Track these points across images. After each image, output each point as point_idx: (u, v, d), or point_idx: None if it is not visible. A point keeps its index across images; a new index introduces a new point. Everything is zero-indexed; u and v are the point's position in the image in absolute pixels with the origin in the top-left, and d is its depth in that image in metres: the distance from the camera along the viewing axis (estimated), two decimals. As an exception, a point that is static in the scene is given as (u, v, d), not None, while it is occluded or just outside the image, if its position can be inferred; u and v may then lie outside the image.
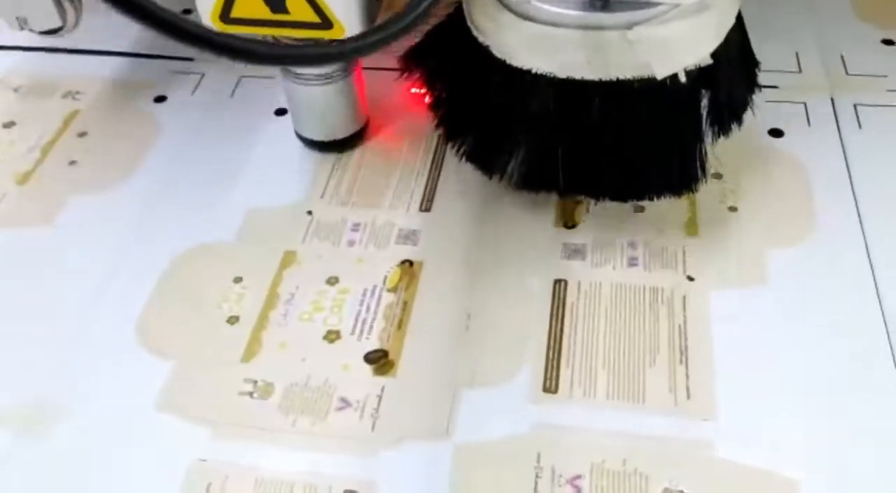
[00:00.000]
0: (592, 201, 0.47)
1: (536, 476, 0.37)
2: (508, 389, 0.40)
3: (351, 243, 0.46)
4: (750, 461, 0.37)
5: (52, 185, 0.50)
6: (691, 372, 0.40)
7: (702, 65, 0.39)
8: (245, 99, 0.55)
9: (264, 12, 0.41)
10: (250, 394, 0.40)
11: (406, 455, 0.37)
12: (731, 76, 0.42)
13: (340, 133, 0.50)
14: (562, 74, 0.39)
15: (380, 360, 0.41)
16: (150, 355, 0.41)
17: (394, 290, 0.44)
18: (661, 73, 0.38)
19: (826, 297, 0.42)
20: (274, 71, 0.57)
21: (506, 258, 0.45)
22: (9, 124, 0.54)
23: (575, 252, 0.45)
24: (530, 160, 0.42)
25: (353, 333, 0.42)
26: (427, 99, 0.47)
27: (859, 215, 0.46)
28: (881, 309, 0.41)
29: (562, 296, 0.43)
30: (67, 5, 0.48)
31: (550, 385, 0.40)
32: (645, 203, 0.46)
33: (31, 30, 0.48)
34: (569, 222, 0.47)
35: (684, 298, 0.43)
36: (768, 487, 0.36)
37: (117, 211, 0.48)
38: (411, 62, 0.46)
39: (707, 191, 0.47)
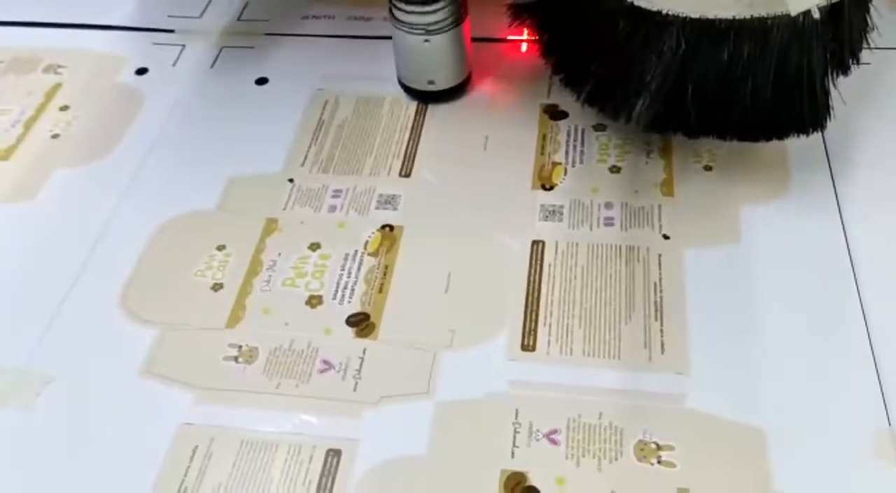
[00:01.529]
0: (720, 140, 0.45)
1: (515, 432, 0.37)
2: (487, 348, 0.40)
3: (332, 209, 0.47)
4: (720, 413, 0.38)
5: (35, 159, 0.51)
6: (665, 328, 0.41)
7: (832, 1, 0.39)
8: (226, 69, 0.56)
9: None
10: (235, 359, 0.41)
11: (387, 414, 0.38)
12: (854, 13, 0.42)
13: (446, 83, 0.51)
14: (694, 14, 0.40)
15: (361, 323, 0.42)
16: (134, 322, 0.42)
17: (374, 254, 0.45)
18: (795, 9, 0.39)
19: (798, 254, 0.43)
20: (254, 40, 0.57)
21: (484, 221, 0.46)
22: (-9, 100, 0.55)
23: (552, 213, 0.46)
24: (659, 102, 0.42)
25: (334, 297, 0.43)
26: (535, 44, 0.48)
27: (832, 174, 0.46)
28: (852, 267, 0.42)
29: (539, 256, 0.44)
30: None
31: (528, 344, 0.41)
32: (619, 164, 0.47)
33: None
34: (546, 184, 0.47)
35: (659, 256, 0.43)
36: (736, 436, 0.37)
37: (100, 183, 0.49)
38: (521, 9, 0.46)
39: (681, 151, 0.48)
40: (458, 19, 0.49)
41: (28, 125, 0.53)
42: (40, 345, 0.42)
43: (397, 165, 0.49)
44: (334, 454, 0.37)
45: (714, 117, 0.43)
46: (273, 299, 0.43)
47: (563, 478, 0.36)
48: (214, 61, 0.56)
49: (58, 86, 0.55)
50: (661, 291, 0.42)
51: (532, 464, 0.36)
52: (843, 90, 0.44)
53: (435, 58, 0.50)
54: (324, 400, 0.39)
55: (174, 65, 0.56)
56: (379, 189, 0.48)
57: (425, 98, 0.52)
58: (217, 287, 0.43)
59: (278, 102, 0.53)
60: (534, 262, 0.44)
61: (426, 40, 0.49)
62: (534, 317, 0.41)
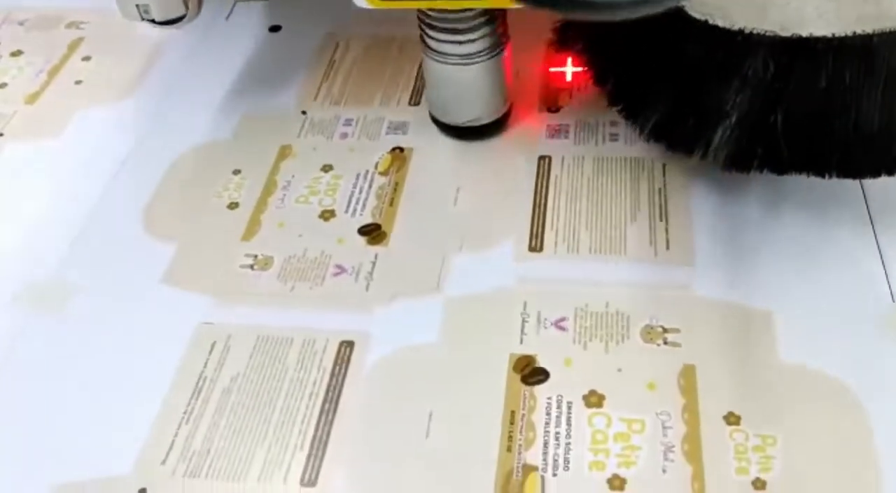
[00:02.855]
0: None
1: (524, 321, 0.38)
2: (496, 251, 0.41)
3: (344, 136, 0.48)
4: (726, 297, 0.38)
5: (59, 102, 0.53)
6: (671, 226, 0.41)
7: None
8: (240, 20, 0.58)
9: None
10: (251, 266, 0.42)
11: (399, 309, 0.39)
12: None
13: (483, 118, 0.46)
14: (785, 33, 0.34)
15: (373, 232, 0.43)
16: (155, 237, 0.44)
17: (385, 173, 0.46)
18: None
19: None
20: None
21: (492, 141, 0.47)
22: (16, 53, 0.57)
23: (558, 132, 0.47)
24: (741, 136, 0.36)
25: (346, 211, 0.44)
26: (583, 73, 0.44)
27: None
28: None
29: (546, 170, 0.45)
30: None
31: (536, 245, 0.41)
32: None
33: (150, 20, 0.45)
34: (552, 107, 0.48)
35: (664, 165, 0.44)
36: (742, 317, 0.37)
37: (123, 121, 0.51)
38: (568, 33, 0.42)
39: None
40: (498, 47, 0.43)
41: (52, 73, 0.55)
42: (70, 258, 0.43)
43: (406, 96, 0.50)
44: (347, 345, 0.38)
45: (809, 152, 0.37)
46: (287, 215, 0.44)
47: (570, 359, 0.37)
48: (229, 14, 0.58)
49: (80, 40, 0.57)
50: (665, 195, 0.43)
51: (540, 348, 0.37)
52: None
53: (474, 90, 0.44)
54: (337, 299, 0.40)
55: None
56: (389, 117, 0.49)
57: (461, 135, 0.47)
58: (233, 206, 0.45)
59: (291, 46, 0.55)
60: (541, 175, 0.45)
61: (464, 71, 0.43)
62: (541, 222, 0.42)
